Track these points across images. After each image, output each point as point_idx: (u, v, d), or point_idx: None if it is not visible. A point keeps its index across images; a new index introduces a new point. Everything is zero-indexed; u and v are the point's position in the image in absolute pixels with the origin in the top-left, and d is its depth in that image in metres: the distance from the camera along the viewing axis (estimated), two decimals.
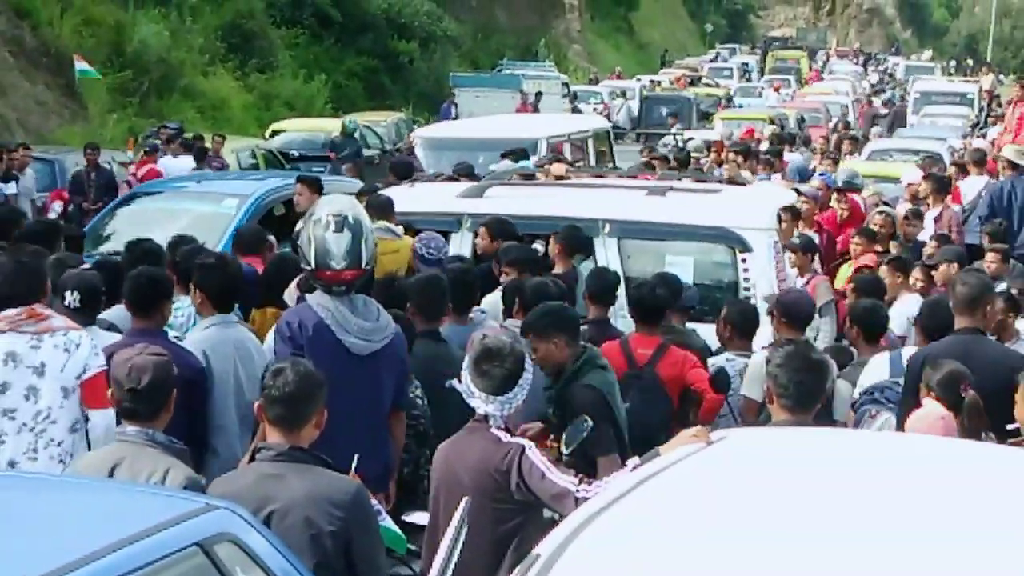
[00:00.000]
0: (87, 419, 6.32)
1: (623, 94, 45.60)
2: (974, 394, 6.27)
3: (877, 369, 7.41)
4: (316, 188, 11.41)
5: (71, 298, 6.88)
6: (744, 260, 9.92)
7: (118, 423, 5.68)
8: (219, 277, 7.24)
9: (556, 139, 17.76)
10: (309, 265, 6.43)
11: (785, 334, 7.85)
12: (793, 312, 8.00)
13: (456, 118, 32.09)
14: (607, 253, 10.04)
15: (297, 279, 7.51)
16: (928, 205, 14.32)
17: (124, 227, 12.00)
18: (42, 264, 6.85)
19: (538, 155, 16.16)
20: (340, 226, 6.37)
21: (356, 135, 24.21)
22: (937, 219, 13.84)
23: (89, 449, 6.09)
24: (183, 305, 7.69)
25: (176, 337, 7.10)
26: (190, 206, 12.02)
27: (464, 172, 13.79)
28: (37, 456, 6.25)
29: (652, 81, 50.15)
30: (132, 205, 13.12)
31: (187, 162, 19.53)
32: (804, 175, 16.13)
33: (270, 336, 6.89)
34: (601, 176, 14.04)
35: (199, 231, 9.84)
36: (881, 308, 8.52)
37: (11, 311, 6.38)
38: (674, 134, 29.43)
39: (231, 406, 6.85)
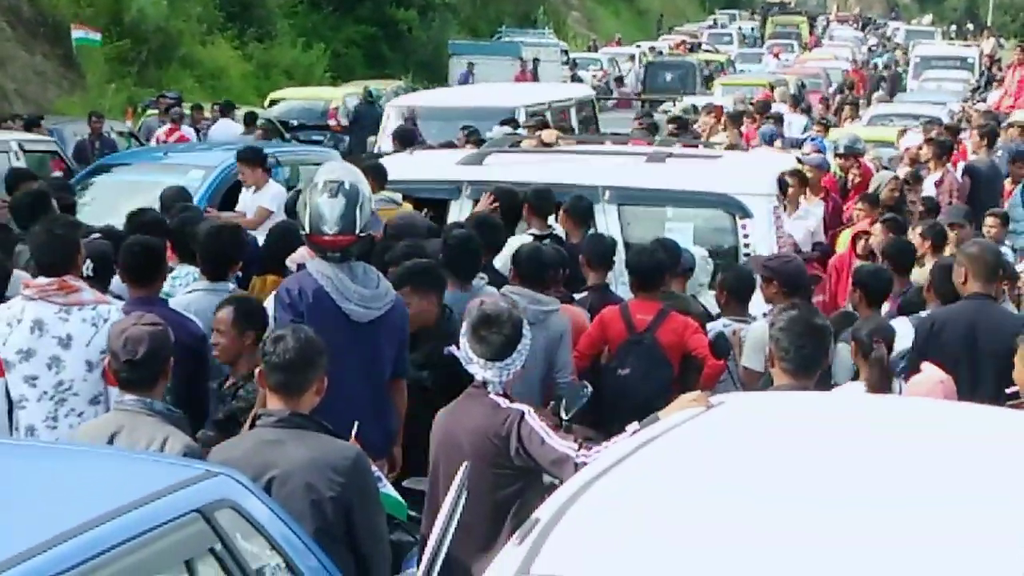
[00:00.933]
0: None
1: (632, 58, 45.52)
2: (882, 350, 6.29)
3: (900, 333, 7.35)
4: (258, 163, 11.55)
5: (85, 267, 6.88)
6: (744, 226, 9.91)
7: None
8: (207, 246, 7.24)
9: (535, 107, 17.51)
10: (304, 230, 6.46)
11: (784, 302, 7.84)
12: (794, 282, 7.96)
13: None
14: (607, 220, 10.03)
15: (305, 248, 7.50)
16: (929, 169, 14.29)
17: (91, 199, 12.00)
18: (76, 235, 6.85)
19: (521, 121, 16.11)
20: (335, 192, 6.38)
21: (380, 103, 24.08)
22: (938, 183, 13.79)
23: None
24: (181, 274, 7.67)
25: None
26: (155, 178, 11.87)
27: (473, 138, 13.82)
28: (57, 425, 6.26)
29: (651, 48, 50.00)
30: (99, 176, 13.02)
31: (233, 127, 19.91)
32: (771, 140, 16.03)
33: (269, 302, 6.89)
34: (595, 143, 14.00)
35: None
36: (885, 272, 8.50)
37: (43, 280, 6.41)
38: (674, 99, 29.35)
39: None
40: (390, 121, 17.78)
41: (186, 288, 7.63)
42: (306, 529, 4.82)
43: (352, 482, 5.02)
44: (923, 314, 7.51)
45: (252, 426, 5.30)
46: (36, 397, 6.30)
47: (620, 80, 43.11)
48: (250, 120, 20.24)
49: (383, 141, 17.14)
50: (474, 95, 20.74)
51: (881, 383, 6.22)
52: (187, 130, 19.79)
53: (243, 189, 11.96)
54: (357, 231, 6.42)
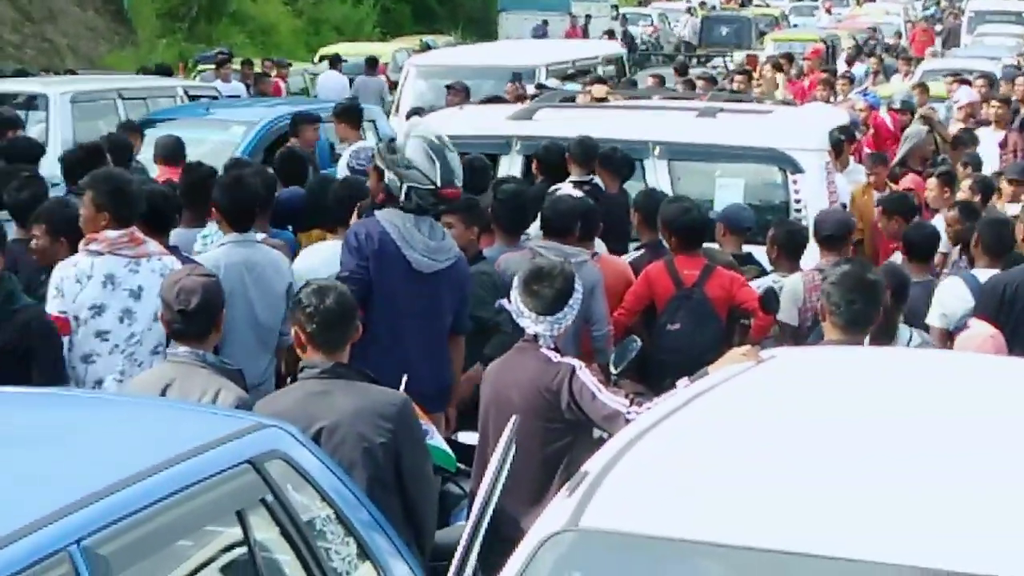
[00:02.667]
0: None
1: (689, 11, 45.21)
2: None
3: (955, 293, 7.28)
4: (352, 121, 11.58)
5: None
6: (795, 181, 9.86)
7: (168, 344, 5.74)
8: (231, 195, 7.25)
9: (558, 65, 17.22)
10: (431, 184, 6.45)
11: (821, 255, 7.81)
12: (826, 232, 7.91)
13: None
14: (657, 175, 10.00)
15: (358, 207, 7.50)
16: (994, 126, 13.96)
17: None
18: (140, 188, 6.91)
19: (536, 82, 15.91)
20: (452, 147, 6.56)
21: None
22: (1003, 144, 13.49)
23: None
24: (210, 232, 7.67)
25: None
26: (198, 133, 11.96)
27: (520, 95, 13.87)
28: (123, 378, 6.30)
29: (702, 3, 49.58)
30: (145, 131, 13.04)
31: (339, 80, 20.57)
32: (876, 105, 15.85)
33: (308, 256, 6.93)
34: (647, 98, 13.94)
35: (205, 158, 9.82)
36: (930, 226, 8.42)
37: (112, 233, 6.44)
38: (724, 55, 29.13)
39: (240, 328, 6.81)
40: (409, 79, 17.45)
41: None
42: (359, 478, 4.89)
43: (400, 428, 5.08)
44: (984, 272, 7.36)
45: (294, 379, 5.32)
46: (108, 351, 6.35)
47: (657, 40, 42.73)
48: (372, 63, 20.38)
49: (404, 99, 16.85)
50: (494, 53, 20.41)
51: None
52: (237, 86, 19.85)
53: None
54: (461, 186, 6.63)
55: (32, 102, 13.99)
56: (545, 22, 36.84)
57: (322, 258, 7.29)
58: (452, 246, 6.63)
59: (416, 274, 6.45)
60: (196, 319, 5.37)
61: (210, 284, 5.47)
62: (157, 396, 5.19)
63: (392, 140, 6.76)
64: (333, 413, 5.05)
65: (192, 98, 15.56)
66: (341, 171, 10.04)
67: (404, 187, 6.51)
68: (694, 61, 29.73)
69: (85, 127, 13.23)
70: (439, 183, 6.46)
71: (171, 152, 10.13)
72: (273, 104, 15.16)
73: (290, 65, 22.36)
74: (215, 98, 16.35)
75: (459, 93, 14.79)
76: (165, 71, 20.04)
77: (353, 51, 27.33)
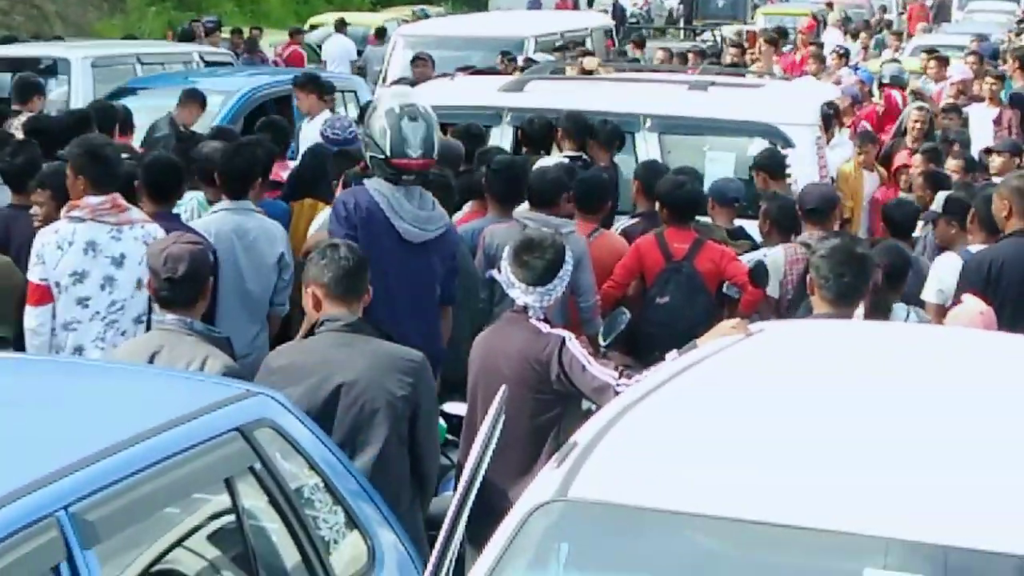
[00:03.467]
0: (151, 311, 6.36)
1: None
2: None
3: (951, 269, 7.25)
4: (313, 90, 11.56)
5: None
6: (786, 156, 9.84)
7: (151, 312, 5.76)
8: (231, 161, 7.27)
9: (547, 37, 16.97)
10: (383, 154, 6.43)
11: (806, 228, 7.81)
12: (812, 205, 7.91)
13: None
14: (648, 148, 9.98)
15: (343, 176, 7.49)
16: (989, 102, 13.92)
17: None
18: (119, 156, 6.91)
19: (524, 54, 15.79)
20: (414, 116, 6.43)
21: None
22: (997, 121, 13.43)
23: None
24: (184, 200, 7.65)
25: None
26: (164, 102, 11.75)
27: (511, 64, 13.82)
28: (104, 345, 6.32)
29: None
30: (121, 100, 12.65)
31: (347, 43, 20.53)
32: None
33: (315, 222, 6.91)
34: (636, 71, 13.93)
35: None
36: (910, 203, 8.40)
37: (94, 199, 6.43)
38: (712, 28, 29.05)
39: (228, 296, 6.82)
40: (396, 50, 17.17)
41: (189, 214, 7.61)
42: (379, 430, 5.03)
43: (419, 383, 5.18)
44: (974, 250, 7.36)
45: (310, 333, 5.33)
46: (88, 317, 6.35)
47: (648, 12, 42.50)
48: (380, 34, 20.26)
49: (392, 70, 16.59)
50: (483, 24, 20.20)
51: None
52: (227, 54, 19.79)
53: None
54: (434, 155, 6.50)
55: (53, 67, 13.99)
56: None
57: None
58: (442, 216, 6.62)
59: (405, 244, 6.44)
60: (183, 286, 5.35)
61: (197, 251, 5.46)
62: (145, 364, 5.19)
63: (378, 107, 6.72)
64: (356, 366, 5.12)
65: (208, 64, 15.51)
66: (305, 142, 10.05)
67: (368, 156, 6.55)
68: (682, 35, 29.69)
69: (105, 91, 13.17)
70: (389, 153, 6.44)
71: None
72: (253, 73, 15.06)
73: (303, 32, 22.17)
74: (231, 64, 16.32)
75: (425, 63, 14.71)
76: (187, 36, 20.00)
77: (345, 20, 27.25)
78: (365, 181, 6.64)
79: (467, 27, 19.01)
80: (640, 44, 21.02)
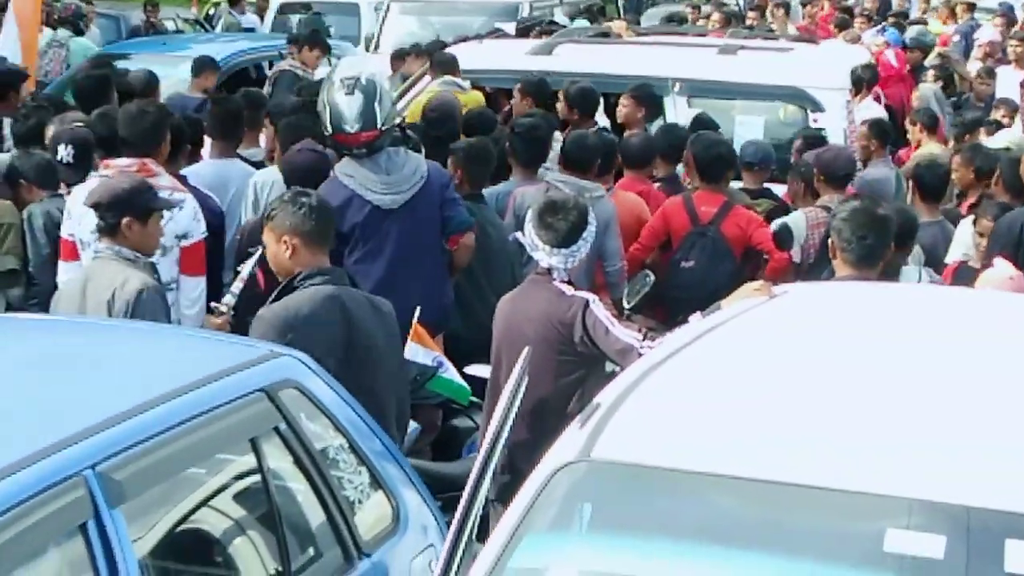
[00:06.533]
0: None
1: None
2: None
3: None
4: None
5: (63, 152, 7.00)
6: (816, 120, 9.81)
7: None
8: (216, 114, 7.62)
9: (543, 1, 16.64)
10: (327, 129, 6.48)
11: (824, 192, 7.79)
12: (831, 170, 7.89)
13: None
14: (677, 112, 9.95)
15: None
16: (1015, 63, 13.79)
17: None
18: (164, 119, 6.94)
19: (519, 17, 15.59)
20: (352, 88, 6.46)
21: None
22: None
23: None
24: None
25: None
26: (156, 69, 11.70)
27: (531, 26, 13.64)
28: None
29: None
30: (100, 67, 12.78)
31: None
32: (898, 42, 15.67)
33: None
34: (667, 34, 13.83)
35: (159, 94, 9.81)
36: (942, 166, 8.36)
37: (122, 160, 6.53)
38: None
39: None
40: (391, 14, 16.62)
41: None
42: (384, 379, 5.22)
43: (394, 328, 5.44)
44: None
45: (288, 287, 5.33)
46: None
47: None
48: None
49: (386, 37, 16.07)
50: None
51: None
52: (252, 18, 19.75)
53: None
54: (379, 126, 6.44)
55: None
56: None
57: None
58: (416, 167, 6.62)
59: (388, 212, 6.49)
60: (105, 216, 5.66)
61: (113, 184, 5.82)
62: (79, 297, 5.54)
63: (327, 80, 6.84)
64: (352, 313, 5.26)
65: None
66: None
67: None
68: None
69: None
70: (329, 129, 6.50)
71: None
72: (232, 39, 14.97)
73: None
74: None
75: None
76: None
77: None
78: (336, 167, 6.69)
79: None
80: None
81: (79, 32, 17.19)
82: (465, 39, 12.78)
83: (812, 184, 8.01)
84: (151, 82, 9.75)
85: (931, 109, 11.40)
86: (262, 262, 5.69)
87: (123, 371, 4.25)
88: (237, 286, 5.74)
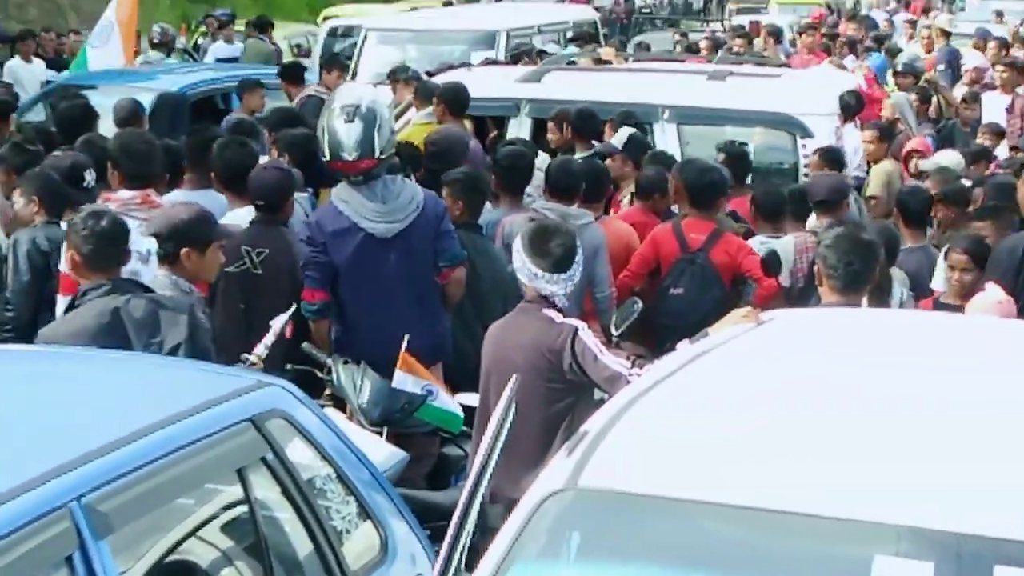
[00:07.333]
0: None
1: None
2: None
3: None
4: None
5: (89, 178, 7.05)
6: (805, 146, 9.84)
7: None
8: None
9: (520, 31, 16.44)
10: (324, 156, 6.48)
11: (819, 219, 7.81)
12: (830, 198, 7.90)
13: None
14: (666, 138, 9.98)
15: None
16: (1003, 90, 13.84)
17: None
18: (160, 150, 7.02)
19: (496, 48, 15.48)
20: (351, 116, 6.43)
21: None
22: (1009, 109, 13.35)
23: None
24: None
25: None
26: (107, 101, 11.65)
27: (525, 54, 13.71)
28: None
29: None
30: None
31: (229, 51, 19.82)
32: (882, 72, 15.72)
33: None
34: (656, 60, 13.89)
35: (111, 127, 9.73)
36: (925, 191, 8.37)
37: (125, 193, 6.60)
38: (722, 20, 28.95)
39: None
40: (368, 43, 16.38)
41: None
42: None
43: (195, 323, 5.41)
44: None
45: (72, 305, 5.49)
46: None
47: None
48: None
49: (364, 66, 15.73)
50: (455, 17, 19.61)
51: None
52: (239, 47, 19.69)
53: None
54: (377, 154, 6.43)
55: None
56: None
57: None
58: (412, 195, 6.59)
59: (383, 241, 6.48)
60: (166, 244, 5.76)
61: (174, 215, 5.87)
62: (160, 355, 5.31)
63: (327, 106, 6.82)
64: (140, 324, 5.29)
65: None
66: None
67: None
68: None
69: None
70: (327, 155, 6.49)
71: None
72: (191, 71, 14.90)
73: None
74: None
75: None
76: (262, 25, 20.07)
77: (357, 12, 27.10)
78: (332, 192, 6.69)
79: (438, 20, 18.50)
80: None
81: (64, 65, 17.22)
82: (451, 67, 12.83)
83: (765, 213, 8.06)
84: (138, 111, 9.73)
85: (882, 124, 11.44)
86: (292, 316, 5.94)
87: (109, 401, 4.23)
88: (269, 339, 5.75)
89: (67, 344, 5.15)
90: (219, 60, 18.56)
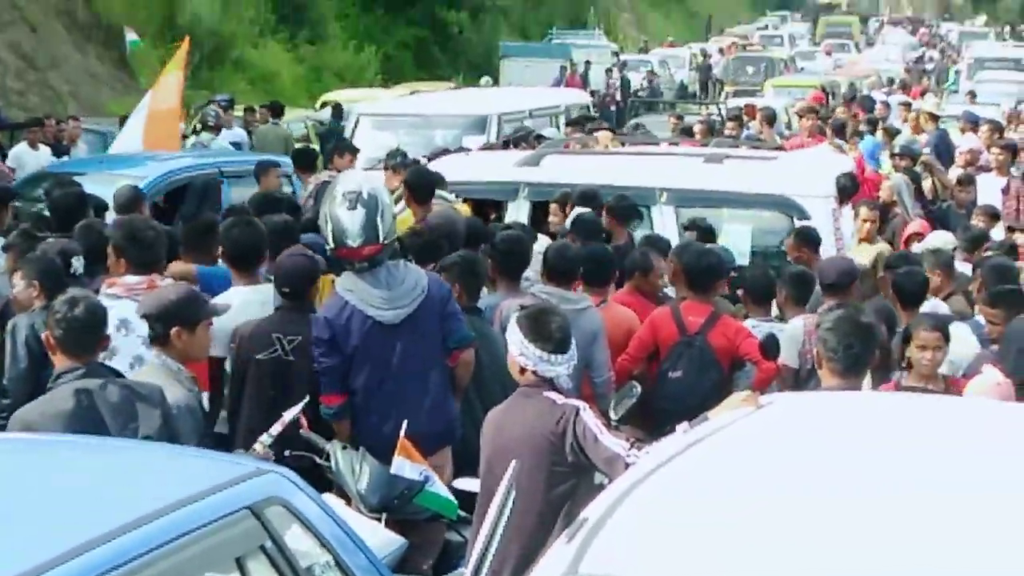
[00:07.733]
0: None
1: (721, 51, 47.41)
2: None
3: (961, 339, 7.23)
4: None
5: (77, 264, 7.06)
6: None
7: None
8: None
9: (511, 116, 16.57)
10: (329, 244, 6.49)
11: (828, 302, 7.80)
12: (839, 282, 7.91)
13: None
14: (664, 222, 10.00)
15: None
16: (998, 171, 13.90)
17: (41, 207, 11.75)
18: (164, 236, 7.08)
19: (487, 133, 15.57)
20: (354, 203, 6.44)
21: None
22: (1005, 191, 13.40)
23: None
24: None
25: None
26: (104, 188, 11.56)
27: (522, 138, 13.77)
28: None
29: (702, 50, 49.80)
30: (40, 184, 12.09)
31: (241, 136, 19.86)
32: (873, 155, 15.82)
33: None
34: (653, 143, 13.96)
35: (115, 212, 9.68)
36: (919, 273, 8.37)
37: (131, 279, 6.65)
38: (718, 103, 29.12)
39: None
40: (360, 128, 16.54)
41: None
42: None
43: (166, 414, 5.39)
44: (979, 320, 7.39)
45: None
46: None
47: (709, 68, 44.37)
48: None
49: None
50: (447, 102, 19.75)
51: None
52: (239, 132, 19.80)
53: None
54: (381, 239, 6.45)
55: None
56: (563, 68, 36.54)
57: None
58: (416, 280, 6.59)
59: (390, 328, 6.47)
60: (155, 324, 5.81)
61: (163, 295, 5.93)
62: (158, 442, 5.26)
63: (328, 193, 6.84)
64: (113, 409, 5.25)
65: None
66: None
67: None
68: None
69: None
70: (331, 243, 6.50)
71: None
72: (166, 159, 14.86)
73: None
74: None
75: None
76: (276, 109, 20.53)
77: (355, 97, 27.30)
78: (336, 282, 6.69)
79: (430, 105, 18.51)
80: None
81: (64, 151, 17.29)
82: (446, 151, 12.88)
83: (797, 294, 8.05)
84: (139, 198, 9.75)
85: (880, 204, 11.52)
86: (305, 408, 5.94)
87: (106, 490, 4.20)
88: (276, 429, 5.70)
89: (42, 426, 5.15)
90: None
